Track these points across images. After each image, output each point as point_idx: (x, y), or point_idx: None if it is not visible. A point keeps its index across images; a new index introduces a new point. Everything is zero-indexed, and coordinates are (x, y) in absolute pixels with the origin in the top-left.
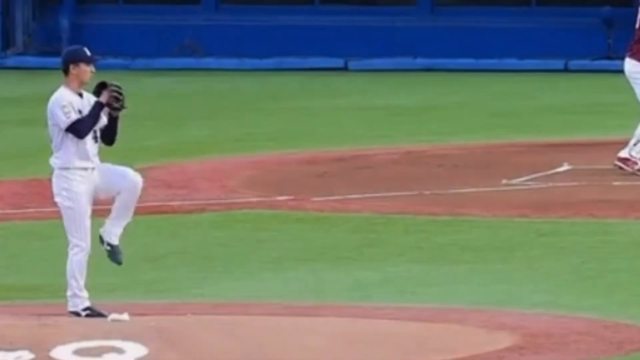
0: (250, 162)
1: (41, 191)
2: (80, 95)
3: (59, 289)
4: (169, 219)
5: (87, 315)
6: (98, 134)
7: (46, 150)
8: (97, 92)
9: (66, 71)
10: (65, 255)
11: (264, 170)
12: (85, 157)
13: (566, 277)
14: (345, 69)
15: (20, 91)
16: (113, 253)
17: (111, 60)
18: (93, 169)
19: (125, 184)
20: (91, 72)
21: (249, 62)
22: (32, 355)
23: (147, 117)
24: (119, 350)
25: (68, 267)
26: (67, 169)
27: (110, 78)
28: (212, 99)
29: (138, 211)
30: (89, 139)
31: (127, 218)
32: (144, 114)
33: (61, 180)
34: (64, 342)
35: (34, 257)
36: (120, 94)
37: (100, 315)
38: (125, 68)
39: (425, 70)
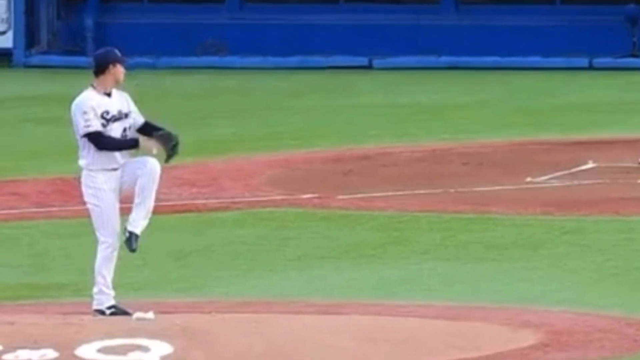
0: (275, 160)
1: (65, 190)
2: (109, 94)
3: (84, 287)
4: (194, 218)
5: (111, 314)
6: (128, 132)
7: (70, 149)
8: (153, 135)
9: (103, 71)
10: (90, 253)
11: (289, 169)
12: (111, 158)
13: (590, 275)
14: (369, 67)
15: (44, 90)
16: (129, 240)
17: (136, 59)
18: (117, 169)
19: (143, 170)
20: (124, 73)
21: (273, 60)
22: (56, 354)
23: (171, 116)
24: (144, 349)
25: (96, 263)
26: (92, 169)
27: (135, 76)
28: (236, 97)
29: (163, 210)
30: (117, 138)
31: (147, 205)
32: (168, 113)
33: (88, 180)
34: (88, 341)
35: (59, 255)
36: (175, 146)
37: (125, 313)
38: (150, 67)
39: (450, 68)
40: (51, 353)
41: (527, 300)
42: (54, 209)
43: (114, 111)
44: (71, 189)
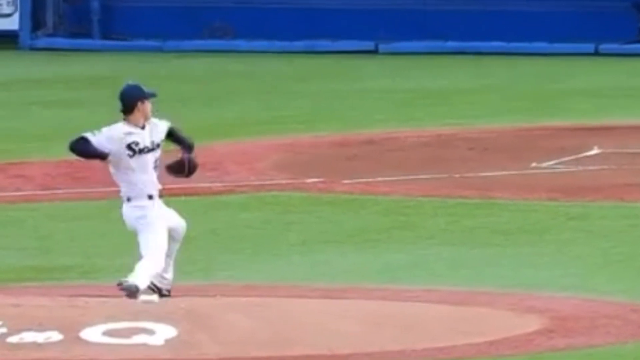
0: (280, 144)
1: (71, 173)
2: (143, 127)
3: (89, 270)
4: (199, 201)
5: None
6: (158, 163)
7: (76, 132)
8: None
9: (132, 110)
10: (94, 236)
11: (294, 153)
12: (145, 185)
13: (595, 261)
14: (375, 52)
15: (50, 72)
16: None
17: (142, 42)
18: (152, 197)
19: (177, 234)
20: (151, 107)
21: (279, 44)
22: (61, 336)
23: (177, 99)
24: (149, 332)
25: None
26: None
27: (141, 60)
28: (242, 81)
29: (167, 193)
30: (150, 169)
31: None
32: (174, 96)
33: (129, 211)
34: (93, 324)
35: (63, 238)
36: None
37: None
38: (156, 50)
39: (456, 53)
40: (56, 335)
41: (532, 285)
42: (59, 191)
43: (146, 143)
44: (76, 172)
